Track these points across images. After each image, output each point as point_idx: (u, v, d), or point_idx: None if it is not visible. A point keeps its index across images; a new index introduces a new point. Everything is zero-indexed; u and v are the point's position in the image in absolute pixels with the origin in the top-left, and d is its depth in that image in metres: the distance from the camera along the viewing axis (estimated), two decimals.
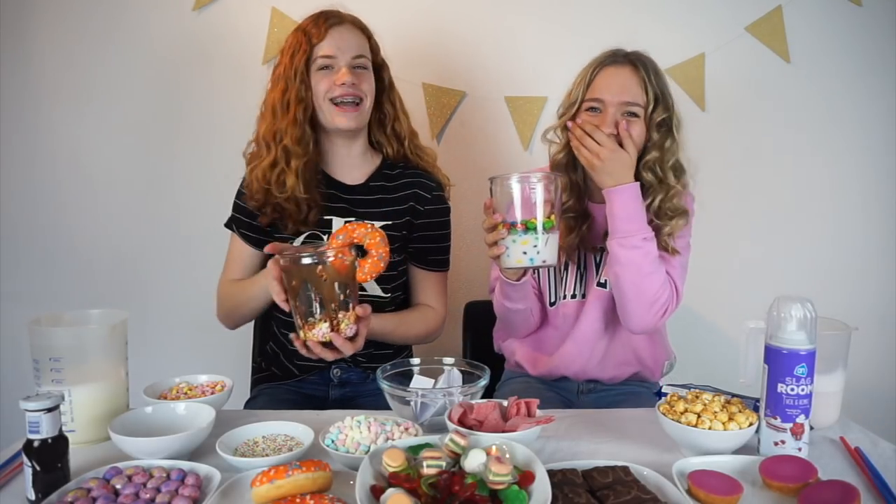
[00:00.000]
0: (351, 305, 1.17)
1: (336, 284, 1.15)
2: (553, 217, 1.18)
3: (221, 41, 1.95)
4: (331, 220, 1.46)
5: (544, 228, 1.17)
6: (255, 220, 1.47)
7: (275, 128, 1.40)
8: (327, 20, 1.40)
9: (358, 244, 1.22)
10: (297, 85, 1.39)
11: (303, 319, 1.16)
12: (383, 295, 1.49)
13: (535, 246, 1.17)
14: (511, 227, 1.17)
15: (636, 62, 1.35)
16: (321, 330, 1.15)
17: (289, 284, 1.16)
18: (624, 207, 1.31)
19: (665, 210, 1.36)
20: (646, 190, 1.35)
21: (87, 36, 1.96)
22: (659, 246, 1.35)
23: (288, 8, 1.89)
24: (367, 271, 1.22)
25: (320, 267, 1.13)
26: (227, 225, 1.53)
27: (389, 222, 1.47)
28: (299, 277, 1.14)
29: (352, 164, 1.50)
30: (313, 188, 1.43)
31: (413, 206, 1.50)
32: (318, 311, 1.15)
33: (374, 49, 1.47)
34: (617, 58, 1.36)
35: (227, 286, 1.52)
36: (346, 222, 1.22)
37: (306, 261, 1.14)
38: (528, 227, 1.16)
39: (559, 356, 1.47)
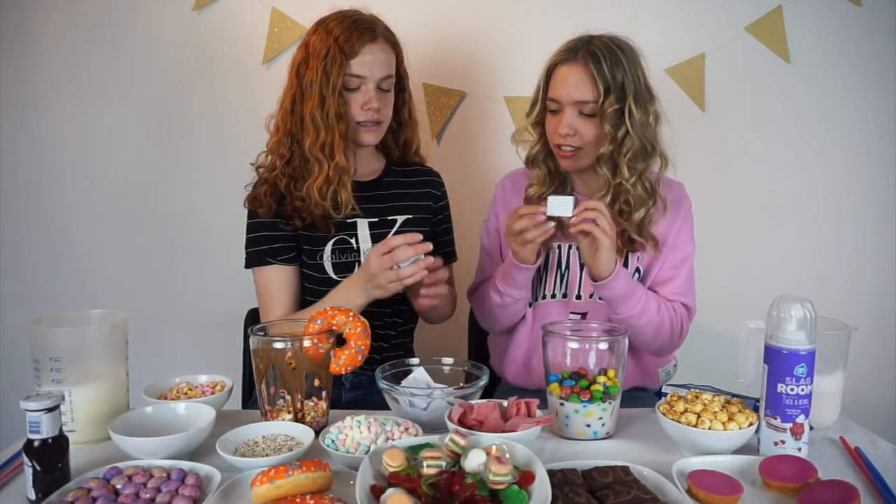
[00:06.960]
0: (323, 395, 1.12)
1: (305, 373, 1.10)
2: (619, 380, 1.11)
3: (222, 41, 1.95)
4: (355, 222, 1.45)
5: (611, 394, 1.09)
6: (281, 241, 1.42)
7: (321, 142, 1.36)
8: (362, 36, 1.35)
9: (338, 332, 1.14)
10: (337, 100, 1.34)
11: (268, 404, 1.11)
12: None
13: (601, 418, 1.09)
14: (572, 394, 1.08)
15: (588, 57, 1.29)
16: (284, 420, 1.09)
17: (255, 366, 1.12)
18: (622, 288, 1.29)
19: (627, 203, 1.33)
20: (601, 185, 1.35)
21: (86, 36, 1.95)
22: (636, 237, 1.34)
23: (288, 8, 1.89)
24: (343, 363, 1.13)
25: (289, 353, 1.09)
26: (257, 262, 1.44)
27: (411, 216, 1.50)
28: (267, 361, 1.10)
29: (360, 164, 1.50)
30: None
31: (430, 204, 1.55)
32: (284, 398, 1.10)
33: (399, 60, 1.44)
34: (571, 54, 1.32)
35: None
36: (328, 307, 1.16)
37: (279, 345, 1.09)
38: (595, 396, 1.07)
39: None
